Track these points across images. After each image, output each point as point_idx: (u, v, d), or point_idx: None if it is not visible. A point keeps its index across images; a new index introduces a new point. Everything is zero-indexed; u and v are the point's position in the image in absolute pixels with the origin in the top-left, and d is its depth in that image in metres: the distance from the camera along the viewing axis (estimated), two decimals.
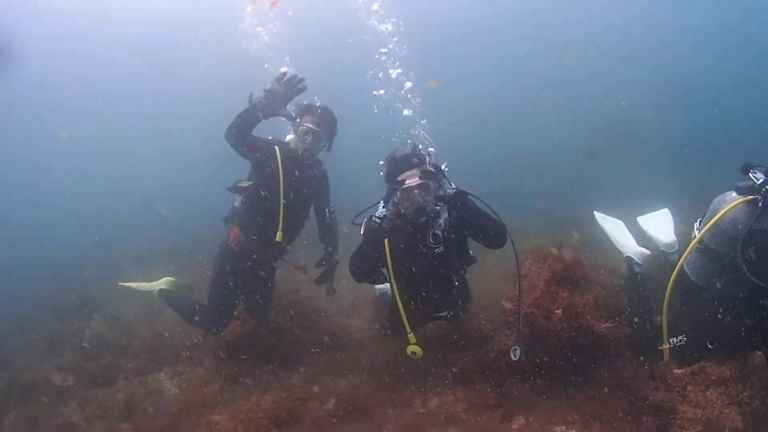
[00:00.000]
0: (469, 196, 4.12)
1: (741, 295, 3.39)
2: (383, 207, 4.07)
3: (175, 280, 5.91)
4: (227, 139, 4.69)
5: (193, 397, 4.75)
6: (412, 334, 4.12)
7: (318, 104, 5.01)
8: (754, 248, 3.30)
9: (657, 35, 24.71)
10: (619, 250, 4.80)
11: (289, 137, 5.04)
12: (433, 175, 4.06)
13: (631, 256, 4.61)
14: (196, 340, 5.64)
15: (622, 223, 5.03)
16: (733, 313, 3.41)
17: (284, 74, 4.56)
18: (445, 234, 4.21)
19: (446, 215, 4.17)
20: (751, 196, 3.36)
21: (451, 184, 4.16)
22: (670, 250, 4.51)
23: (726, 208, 3.42)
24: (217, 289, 5.14)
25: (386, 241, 4.03)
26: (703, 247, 3.75)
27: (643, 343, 3.82)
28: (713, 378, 3.35)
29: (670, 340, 3.66)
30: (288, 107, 4.74)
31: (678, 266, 3.68)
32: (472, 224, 4.10)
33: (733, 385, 3.33)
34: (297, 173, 4.94)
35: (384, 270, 4.30)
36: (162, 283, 5.78)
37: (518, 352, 3.69)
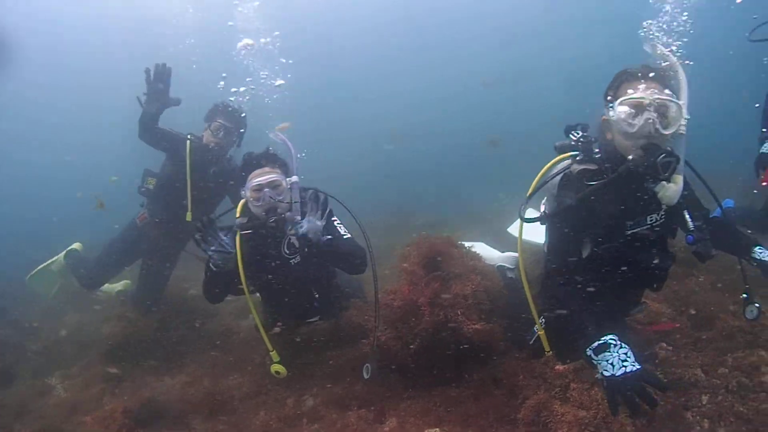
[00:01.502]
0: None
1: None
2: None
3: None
4: (141, 138, 5.17)
5: (77, 399, 4.60)
6: (274, 352, 3.89)
7: (228, 104, 5.49)
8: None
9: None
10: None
11: (204, 133, 5.43)
12: (285, 173, 3.91)
13: (501, 264, 4.43)
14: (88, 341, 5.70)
15: (482, 243, 4.91)
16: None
17: (148, 70, 4.92)
18: (302, 242, 3.91)
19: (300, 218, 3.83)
20: (570, 153, 3.14)
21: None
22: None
23: (544, 168, 3.17)
24: (108, 248, 5.93)
25: (238, 252, 3.76)
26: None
27: (522, 340, 3.46)
28: (596, 375, 2.93)
29: (534, 328, 3.32)
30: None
31: (519, 244, 3.39)
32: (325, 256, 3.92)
33: None
34: (206, 164, 5.33)
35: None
36: (72, 247, 6.45)
37: (368, 369, 3.48)
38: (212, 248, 3.61)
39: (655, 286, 3.26)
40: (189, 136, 5.34)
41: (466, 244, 4.57)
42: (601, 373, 2.57)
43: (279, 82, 6.13)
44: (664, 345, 3.50)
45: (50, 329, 6.65)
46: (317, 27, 23.33)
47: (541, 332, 3.25)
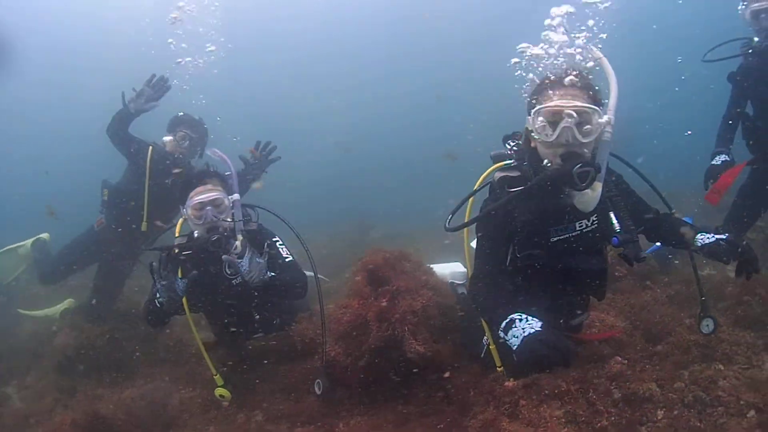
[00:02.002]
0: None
1: None
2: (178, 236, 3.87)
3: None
4: (107, 133, 5.28)
5: (31, 410, 4.57)
6: (218, 375, 3.82)
7: (191, 115, 5.65)
8: None
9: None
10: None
11: (167, 140, 5.51)
12: (227, 191, 3.85)
13: (451, 281, 4.31)
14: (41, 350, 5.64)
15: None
16: None
17: (153, 76, 5.12)
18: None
19: (242, 239, 3.77)
20: (505, 162, 3.10)
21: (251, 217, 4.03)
22: None
23: (480, 179, 3.13)
24: (66, 251, 6.02)
25: (179, 269, 3.71)
26: None
27: (476, 354, 3.37)
28: (546, 392, 2.86)
29: (484, 339, 3.25)
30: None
31: (467, 257, 3.37)
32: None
33: (571, 400, 2.85)
34: (165, 173, 5.36)
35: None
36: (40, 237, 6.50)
37: (320, 385, 3.42)
38: (162, 282, 3.50)
39: (594, 293, 3.20)
40: (152, 144, 5.45)
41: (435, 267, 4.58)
42: (512, 347, 2.60)
43: (210, 47, 6.43)
44: (619, 359, 3.42)
45: (4, 336, 6.54)
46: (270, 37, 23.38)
47: (492, 347, 3.16)
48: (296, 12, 23.24)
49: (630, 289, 4.60)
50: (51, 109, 25.54)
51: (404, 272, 3.44)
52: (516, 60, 3.06)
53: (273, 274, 3.77)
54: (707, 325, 3.03)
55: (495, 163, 3.06)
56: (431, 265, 4.43)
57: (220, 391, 3.76)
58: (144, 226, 5.37)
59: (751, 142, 4.59)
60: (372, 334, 3.19)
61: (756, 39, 4.36)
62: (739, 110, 4.54)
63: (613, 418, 2.94)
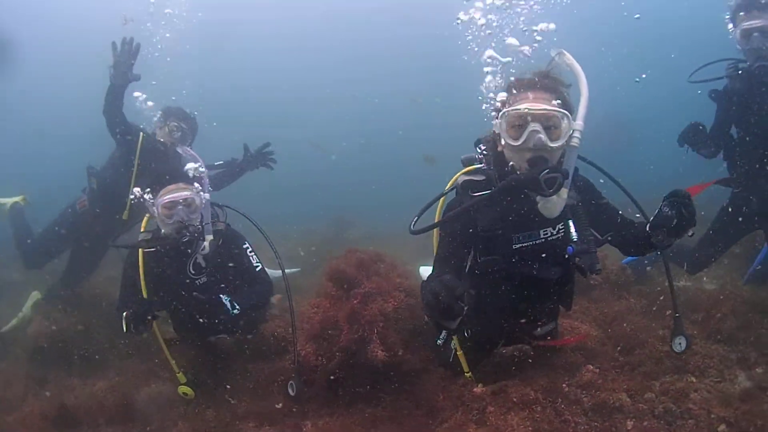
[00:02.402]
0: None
1: None
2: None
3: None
4: (105, 114, 5.11)
5: (1, 397, 4.40)
6: (181, 373, 3.76)
7: (182, 108, 5.62)
8: None
9: None
10: None
11: (158, 131, 5.53)
12: (202, 191, 3.80)
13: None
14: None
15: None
16: None
17: (115, 44, 4.91)
18: (209, 264, 3.85)
19: (211, 238, 3.79)
20: (475, 166, 3.04)
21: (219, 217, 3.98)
22: None
23: (450, 183, 3.05)
24: (47, 233, 5.88)
25: (141, 269, 3.68)
26: None
27: (444, 359, 3.35)
28: (515, 399, 2.85)
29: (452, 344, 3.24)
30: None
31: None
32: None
33: (539, 408, 2.84)
34: (154, 160, 5.26)
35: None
36: (17, 199, 6.40)
37: (293, 387, 3.37)
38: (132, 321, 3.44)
39: (560, 302, 3.14)
40: (142, 132, 5.40)
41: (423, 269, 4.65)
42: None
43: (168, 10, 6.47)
44: (591, 367, 3.41)
45: None
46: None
47: (460, 353, 3.15)
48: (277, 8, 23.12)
49: (604, 298, 4.59)
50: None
51: (378, 274, 3.41)
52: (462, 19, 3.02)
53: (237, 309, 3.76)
54: (679, 344, 2.91)
55: (465, 167, 2.99)
56: (421, 267, 4.43)
57: (182, 389, 3.72)
58: (125, 215, 5.33)
59: (731, 167, 4.37)
60: (342, 335, 3.16)
61: (745, 62, 4.07)
62: (722, 132, 4.32)
63: (581, 428, 2.93)
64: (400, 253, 3.61)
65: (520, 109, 2.50)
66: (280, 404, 3.44)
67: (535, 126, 2.47)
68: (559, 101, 2.56)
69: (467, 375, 3.14)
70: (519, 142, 2.51)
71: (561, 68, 2.65)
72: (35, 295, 6.05)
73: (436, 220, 2.97)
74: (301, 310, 3.76)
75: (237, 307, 3.75)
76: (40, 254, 6.00)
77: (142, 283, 3.66)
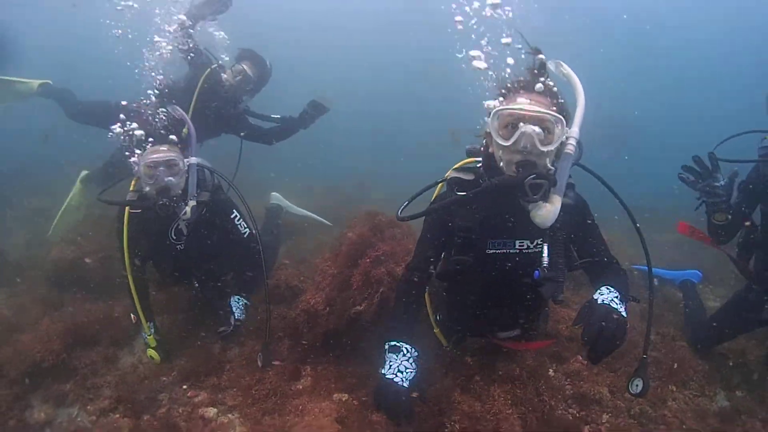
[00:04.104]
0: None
1: None
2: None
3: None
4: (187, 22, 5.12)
5: (18, 319, 4.50)
6: (151, 337, 3.80)
7: (260, 55, 5.59)
8: None
9: None
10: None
11: (227, 71, 5.51)
12: (184, 155, 3.75)
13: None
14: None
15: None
16: None
17: None
18: (191, 231, 3.85)
19: (194, 204, 3.74)
20: (475, 159, 2.93)
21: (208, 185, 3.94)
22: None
23: (450, 171, 2.97)
24: (98, 102, 5.78)
25: (125, 230, 3.70)
26: None
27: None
28: (500, 373, 3.04)
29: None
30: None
31: None
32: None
33: (522, 385, 3.02)
34: (212, 96, 5.35)
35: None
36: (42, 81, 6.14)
37: (261, 358, 3.55)
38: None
39: (523, 314, 3.03)
40: (214, 66, 5.42)
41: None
42: (382, 364, 2.68)
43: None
44: (580, 358, 3.58)
45: None
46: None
47: (437, 330, 3.31)
48: None
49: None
50: None
51: (393, 238, 3.57)
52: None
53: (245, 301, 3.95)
54: (636, 385, 2.69)
55: (468, 157, 2.88)
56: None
57: (150, 352, 3.78)
58: (183, 133, 5.12)
59: (745, 254, 3.79)
60: (352, 290, 3.36)
61: None
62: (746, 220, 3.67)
63: (558, 412, 3.10)
64: (417, 222, 3.79)
65: (513, 109, 2.41)
66: (284, 347, 3.68)
67: (527, 128, 2.37)
68: (555, 107, 2.46)
69: (446, 347, 3.31)
70: (509, 143, 2.41)
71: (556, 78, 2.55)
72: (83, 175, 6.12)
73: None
74: (316, 262, 3.93)
75: (242, 312, 3.92)
76: (85, 114, 5.89)
77: (125, 242, 3.70)
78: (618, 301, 2.34)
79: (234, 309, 3.89)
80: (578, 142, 2.48)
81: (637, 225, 2.78)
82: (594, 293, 2.42)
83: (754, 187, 3.53)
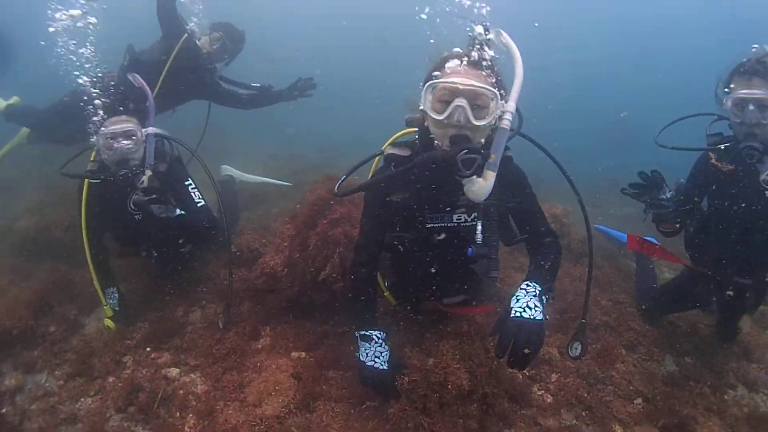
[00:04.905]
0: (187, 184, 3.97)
1: None
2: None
3: None
4: (160, 11, 5.11)
5: None
6: (107, 307, 3.85)
7: (233, 24, 5.68)
8: None
9: None
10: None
11: (202, 38, 5.56)
12: (143, 125, 3.79)
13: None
14: None
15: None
16: None
17: None
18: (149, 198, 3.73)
19: (150, 173, 3.75)
20: (410, 130, 3.04)
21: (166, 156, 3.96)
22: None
23: (388, 141, 3.07)
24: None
25: (84, 200, 3.74)
26: None
27: None
28: (449, 330, 3.12)
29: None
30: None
31: None
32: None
33: (469, 341, 3.10)
34: (188, 62, 5.35)
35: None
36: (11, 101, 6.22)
37: (222, 320, 3.65)
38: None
39: (467, 282, 3.11)
40: (188, 32, 5.40)
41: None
42: (358, 354, 2.88)
43: None
44: None
45: None
46: None
47: (387, 293, 3.42)
48: None
49: (562, 265, 4.49)
50: None
51: (351, 201, 3.61)
52: None
53: (181, 212, 3.81)
54: (576, 348, 2.82)
55: (407, 127, 2.86)
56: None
57: (107, 322, 3.82)
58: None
59: (693, 245, 3.76)
60: (309, 250, 3.44)
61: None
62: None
63: (508, 371, 3.18)
64: None
65: (447, 83, 2.37)
66: (245, 308, 3.76)
67: (460, 101, 2.33)
68: (490, 80, 2.42)
69: (395, 307, 3.43)
70: (443, 116, 2.38)
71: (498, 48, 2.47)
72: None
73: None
74: (276, 226, 4.00)
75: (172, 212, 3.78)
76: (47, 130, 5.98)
77: (83, 212, 3.74)
78: (535, 303, 2.32)
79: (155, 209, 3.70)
80: (518, 113, 2.49)
81: (579, 197, 2.86)
82: (512, 298, 2.39)
83: (702, 176, 3.50)
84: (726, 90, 3.14)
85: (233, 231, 4.79)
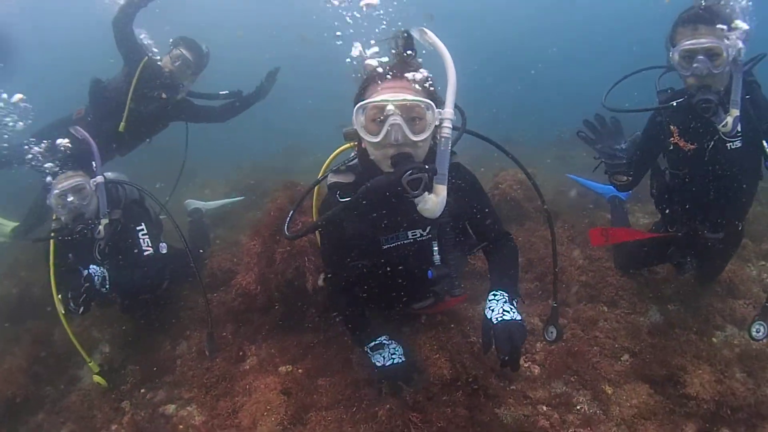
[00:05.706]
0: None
1: None
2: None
3: None
4: (114, 24, 5.06)
5: None
6: (92, 363, 3.76)
7: (195, 40, 5.54)
8: None
9: None
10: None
11: (164, 58, 5.48)
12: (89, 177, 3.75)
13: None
14: None
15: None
16: None
17: None
18: (109, 247, 3.81)
19: (106, 222, 3.75)
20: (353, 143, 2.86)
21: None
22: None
23: (327, 162, 3.05)
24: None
25: (51, 258, 3.71)
26: None
27: None
28: (423, 322, 3.17)
29: None
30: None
31: None
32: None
33: (444, 330, 3.13)
34: (152, 85, 5.30)
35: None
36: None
37: (207, 347, 3.65)
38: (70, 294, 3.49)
39: (434, 297, 3.04)
40: (149, 54, 5.38)
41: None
42: (374, 363, 2.89)
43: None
44: None
45: None
46: None
47: None
48: None
49: (535, 228, 4.68)
50: None
51: (312, 207, 3.60)
52: None
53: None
54: (551, 332, 2.90)
55: (345, 140, 2.59)
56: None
57: (96, 378, 3.71)
58: (122, 127, 5.24)
59: (666, 209, 3.64)
60: (278, 264, 3.45)
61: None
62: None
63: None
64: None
65: (376, 102, 2.22)
66: (227, 333, 3.77)
67: (395, 119, 2.18)
68: (422, 90, 2.30)
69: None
70: (379, 138, 2.23)
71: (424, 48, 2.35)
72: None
73: (313, 208, 3.18)
74: (243, 241, 3.99)
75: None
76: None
77: (51, 271, 3.71)
78: (510, 307, 2.34)
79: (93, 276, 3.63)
80: (458, 110, 2.38)
81: (532, 179, 2.91)
82: (486, 307, 2.40)
83: (655, 139, 3.38)
84: (672, 45, 2.96)
85: (207, 255, 4.77)
